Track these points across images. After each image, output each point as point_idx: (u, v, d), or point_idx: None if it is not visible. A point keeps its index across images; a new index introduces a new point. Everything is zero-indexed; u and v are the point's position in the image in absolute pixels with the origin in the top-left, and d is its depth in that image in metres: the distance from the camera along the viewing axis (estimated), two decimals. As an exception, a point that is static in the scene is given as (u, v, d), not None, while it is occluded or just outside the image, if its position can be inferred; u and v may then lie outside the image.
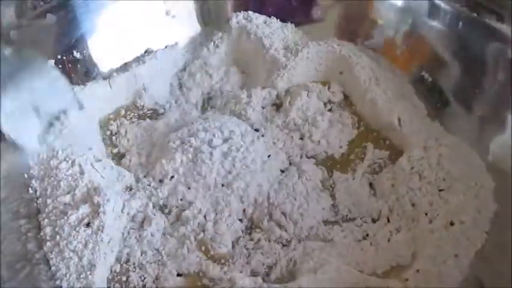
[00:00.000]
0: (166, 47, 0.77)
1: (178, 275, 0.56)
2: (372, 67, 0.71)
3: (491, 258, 0.54)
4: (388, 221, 0.59)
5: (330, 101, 0.72)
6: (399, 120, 0.67)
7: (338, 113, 0.71)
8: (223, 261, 0.57)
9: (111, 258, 0.56)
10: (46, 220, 0.58)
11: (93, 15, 0.73)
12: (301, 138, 0.68)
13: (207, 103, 0.76)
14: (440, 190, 0.59)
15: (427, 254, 0.55)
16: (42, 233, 0.57)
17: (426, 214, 0.58)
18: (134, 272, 0.56)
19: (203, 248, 0.57)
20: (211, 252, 0.57)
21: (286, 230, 0.59)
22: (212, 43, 0.78)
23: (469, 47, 0.67)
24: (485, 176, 0.60)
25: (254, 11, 0.78)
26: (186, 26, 0.80)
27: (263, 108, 0.72)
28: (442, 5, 0.69)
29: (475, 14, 0.65)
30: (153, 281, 0.55)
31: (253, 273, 0.56)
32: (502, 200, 0.58)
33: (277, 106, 0.72)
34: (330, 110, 0.71)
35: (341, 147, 0.68)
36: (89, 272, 0.54)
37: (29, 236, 0.57)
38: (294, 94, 0.71)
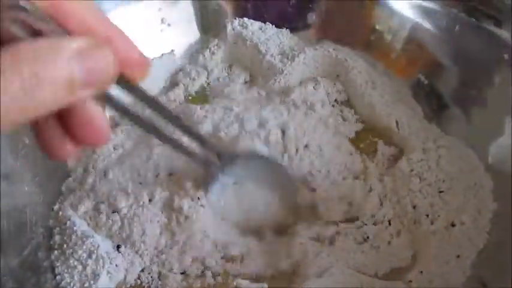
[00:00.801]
0: (162, 55, 0.77)
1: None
2: (368, 71, 0.72)
3: (493, 258, 0.54)
4: (390, 224, 0.59)
5: (336, 100, 0.72)
6: (397, 123, 0.67)
7: (339, 109, 0.71)
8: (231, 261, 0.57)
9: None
10: (57, 228, 0.58)
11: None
12: None
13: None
14: (440, 192, 0.59)
15: (430, 255, 0.55)
16: (52, 241, 0.58)
17: (427, 216, 0.58)
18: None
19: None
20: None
21: None
22: (208, 50, 0.78)
23: (466, 51, 0.67)
24: (484, 176, 0.60)
25: (250, 18, 0.78)
26: (182, 33, 0.80)
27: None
28: (440, 10, 0.69)
29: (473, 19, 0.66)
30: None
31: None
32: (501, 200, 0.58)
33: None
34: (332, 106, 0.71)
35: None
36: (92, 282, 0.54)
37: (41, 244, 0.57)
38: (301, 84, 0.72)
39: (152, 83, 0.75)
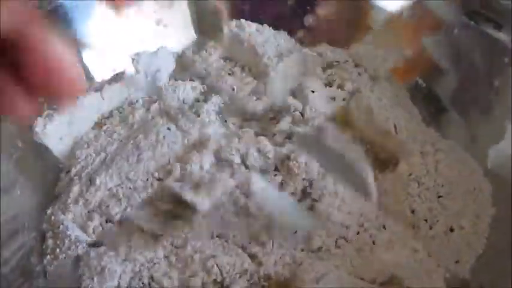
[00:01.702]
0: (158, 49, 0.75)
1: None
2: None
3: (492, 263, 0.54)
4: (384, 228, 0.59)
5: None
6: (395, 127, 0.66)
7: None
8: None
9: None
10: (50, 232, 0.57)
11: (82, 27, 0.72)
12: None
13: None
14: (439, 196, 0.59)
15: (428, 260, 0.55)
16: (44, 246, 0.57)
17: (426, 220, 0.57)
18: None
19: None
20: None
21: None
22: (204, 51, 0.77)
23: (465, 54, 0.67)
24: (483, 180, 0.60)
25: (246, 19, 0.78)
26: (178, 35, 0.79)
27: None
28: (439, 12, 0.69)
29: (473, 22, 0.65)
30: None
31: None
32: (500, 204, 0.58)
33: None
34: None
35: None
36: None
37: (34, 248, 0.57)
38: None
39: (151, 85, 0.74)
